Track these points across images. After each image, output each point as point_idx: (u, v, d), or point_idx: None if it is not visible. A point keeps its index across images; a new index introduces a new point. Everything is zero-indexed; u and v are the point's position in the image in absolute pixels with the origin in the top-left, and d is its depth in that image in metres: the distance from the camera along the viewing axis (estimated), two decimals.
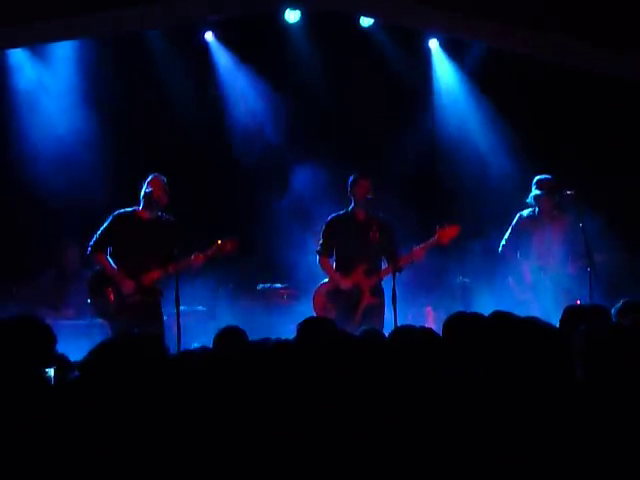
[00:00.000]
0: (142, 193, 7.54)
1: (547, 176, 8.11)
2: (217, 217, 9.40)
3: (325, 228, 7.87)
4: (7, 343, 3.63)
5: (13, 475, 2.99)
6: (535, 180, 8.13)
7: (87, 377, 3.29)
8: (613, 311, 5.21)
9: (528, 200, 8.17)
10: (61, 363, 3.90)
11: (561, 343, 3.32)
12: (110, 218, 7.57)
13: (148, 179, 7.56)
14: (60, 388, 3.46)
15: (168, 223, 7.54)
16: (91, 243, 7.55)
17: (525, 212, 8.25)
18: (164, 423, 3.17)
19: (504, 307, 4.22)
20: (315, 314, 7.88)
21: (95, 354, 3.37)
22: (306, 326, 4.25)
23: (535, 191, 8.11)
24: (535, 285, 8.05)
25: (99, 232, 7.54)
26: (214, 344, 4.57)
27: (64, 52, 9.20)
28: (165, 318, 7.96)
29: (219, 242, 7.40)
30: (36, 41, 8.73)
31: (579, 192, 7.89)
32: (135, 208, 7.60)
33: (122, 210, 7.61)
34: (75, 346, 5.44)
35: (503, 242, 8.27)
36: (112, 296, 7.40)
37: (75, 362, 3.76)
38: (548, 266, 8.02)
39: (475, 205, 9.68)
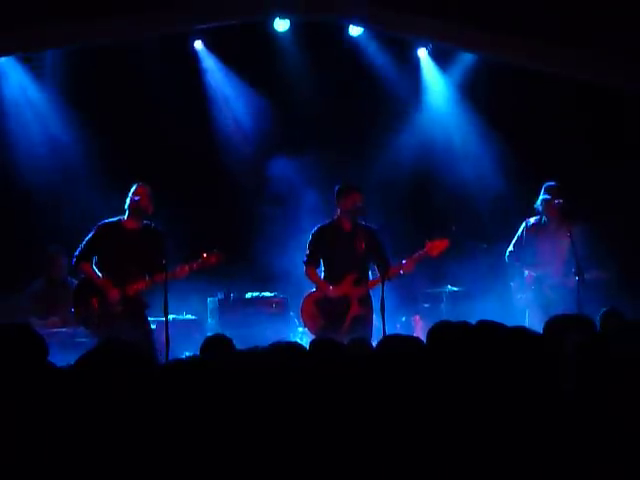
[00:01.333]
0: (127, 202, 7.53)
1: (554, 183, 8.13)
2: (205, 225, 9.41)
3: (311, 238, 7.87)
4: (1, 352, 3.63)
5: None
6: (544, 186, 8.15)
7: (73, 387, 3.29)
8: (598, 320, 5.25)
9: (535, 206, 8.18)
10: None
11: (547, 352, 3.33)
12: (94, 228, 7.56)
13: (133, 188, 7.54)
14: (49, 397, 3.45)
15: (154, 232, 7.53)
16: (76, 253, 7.54)
17: (532, 219, 8.26)
18: (150, 433, 3.16)
19: (500, 315, 4.23)
20: (303, 322, 7.88)
21: (81, 364, 3.36)
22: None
23: (542, 195, 8.13)
24: (536, 294, 8.06)
25: (84, 243, 7.54)
26: (201, 353, 4.57)
27: (52, 60, 9.20)
28: (154, 327, 7.96)
29: (204, 255, 7.41)
30: (23, 49, 8.73)
31: (567, 201, 7.93)
32: (120, 218, 7.59)
33: (107, 220, 7.60)
34: (61, 355, 5.44)
35: (510, 249, 8.28)
36: (96, 305, 7.39)
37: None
38: (550, 275, 8.03)
39: (464, 213, 9.71)
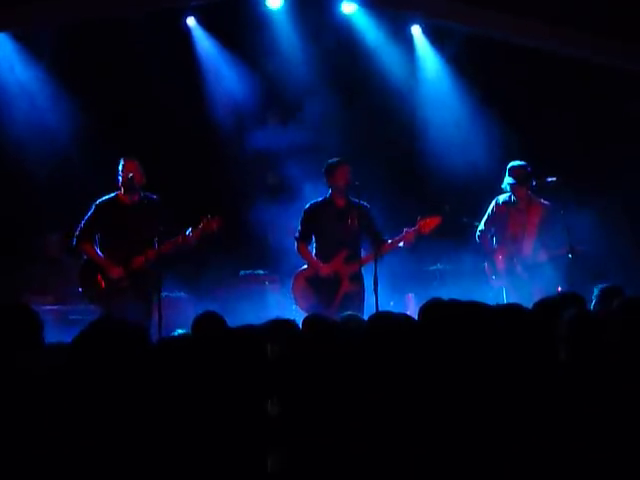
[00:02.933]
0: (120, 179, 7.51)
1: (520, 163, 8.09)
2: (198, 203, 9.38)
3: (303, 215, 7.87)
4: None
5: None
6: (508, 167, 8.13)
7: (69, 366, 3.30)
8: (594, 297, 5.25)
9: (503, 186, 8.18)
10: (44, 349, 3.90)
11: (541, 329, 3.35)
12: (93, 207, 7.54)
13: (122, 164, 7.51)
14: (44, 376, 3.46)
15: (152, 203, 7.52)
16: (76, 234, 7.53)
17: (501, 198, 8.24)
18: (143, 411, 3.17)
19: (480, 294, 4.23)
20: (294, 299, 7.89)
21: (76, 343, 3.37)
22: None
23: (507, 178, 8.11)
24: (509, 272, 8.08)
25: (83, 222, 7.52)
26: (193, 330, 4.57)
27: (44, 36, 9.13)
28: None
29: (204, 221, 7.37)
30: (15, 25, 8.66)
31: (562, 179, 7.92)
32: (116, 193, 7.58)
33: (104, 198, 7.58)
34: (55, 333, 5.44)
35: (480, 228, 8.29)
36: (102, 282, 7.41)
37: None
38: (521, 253, 8.03)
39: (458, 192, 9.71)
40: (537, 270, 7.89)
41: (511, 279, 8.03)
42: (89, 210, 7.55)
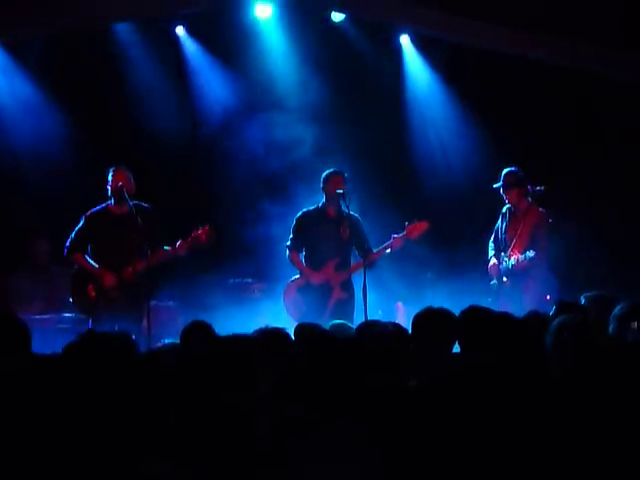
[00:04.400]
0: (110, 189, 7.48)
1: (511, 169, 8.12)
2: (188, 212, 9.39)
3: (295, 223, 7.90)
4: None
5: None
6: (502, 173, 8.15)
7: (57, 377, 3.28)
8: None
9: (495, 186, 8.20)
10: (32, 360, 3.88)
11: (530, 337, 3.35)
12: (83, 218, 7.52)
13: (111, 173, 7.48)
14: (33, 386, 3.44)
15: (144, 212, 7.50)
16: (67, 245, 7.50)
17: (505, 207, 8.23)
18: (131, 421, 3.16)
19: (471, 302, 4.22)
20: (286, 309, 7.90)
21: (64, 354, 3.36)
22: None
23: (499, 183, 8.15)
24: (498, 279, 8.09)
25: (74, 233, 7.50)
26: (181, 339, 4.55)
27: (32, 45, 9.11)
28: None
29: (195, 231, 7.38)
30: (2, 34, 8.64)
31: (549, 189, 7.95)
32: (106, 204, 7.55)
33: (94, 209, 7.56)
34: (44, 341, 5.42)
35: (491, 238, 8.29)
36: (93, 293, 7.39)
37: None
38: (512, 260, 8.04)
39: (445, 201, 9.73)
40: (522, 277, 7.89)
41: (500, 286, 8.05)
42: (79, 222, 7.52)
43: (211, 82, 9.88)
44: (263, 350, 3.56)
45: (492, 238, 8.28)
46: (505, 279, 8.00)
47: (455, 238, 9.08)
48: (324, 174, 7.89)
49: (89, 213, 7.54)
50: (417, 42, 10.02)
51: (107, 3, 8.25)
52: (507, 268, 7.96)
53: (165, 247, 7.41)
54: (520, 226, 8.04)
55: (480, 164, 9.51)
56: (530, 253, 7.71)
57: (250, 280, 9.17)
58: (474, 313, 3.70)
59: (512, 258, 7.91)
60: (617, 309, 4.48)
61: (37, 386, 3.30)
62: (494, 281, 8.14)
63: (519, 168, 8.09)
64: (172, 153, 9.53)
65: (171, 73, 9.70)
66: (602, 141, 9.27)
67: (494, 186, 8.13)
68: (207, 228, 7.38)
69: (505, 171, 8.11)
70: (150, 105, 9.32)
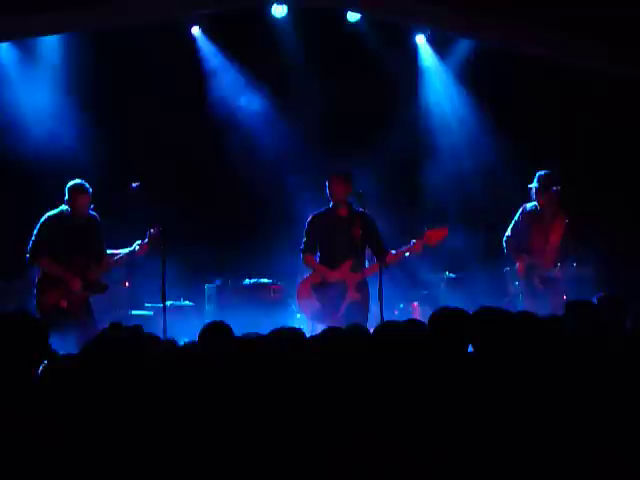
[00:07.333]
0: (70, 203, 7.39)
1: (547, 171, 8.11)
2: (204, 212, 9.41)
3: (307, 226, 7.83)
4: (4, 338, 3.63)
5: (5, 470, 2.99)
6: (537, 175, 8.11)
7: (80, 374, 3.30)
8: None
9: (530, 193, 8.17)
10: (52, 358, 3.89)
11: (551, 337, 3.34)
12: (41, 223, 7.44)
13: (75, 194, 7.38)
14: (52, 384, 3.45)
15: (94, 218, 7.53)
16: (29, 250, 7.42)
17: (529, 205, 8.22)
18: (148, 420, 3.17)
19: (496, 301, 4.22)
20: (299, 307, 7.87)
21: (89, 351, 3.37)
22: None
23: (535, 184, 8.12)
24: (527, 281, 8.07)
25: (34, 239, 7.42)
26: (199, 340, 4.55)
27: (49, 45, 9.14)
28: (151, 313, 7.89)
29: (149, 233, 7.38)
30: (20, 35, 8.67)
31: (565, 189, 7.94)
32: (62, 209, 7.46)
33: (51, 213, 7.47)
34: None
35: (507, 234, 8.26)
36: (58, 297, 7.35)
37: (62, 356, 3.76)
38: (540, 265, 8.01)
39: (460, 201, 9.72)
40: (554, 283, 7.88)
41: (528, 289, 8.03)
42: (37, 225, 7.44)
43: (227, 81, 9.89)
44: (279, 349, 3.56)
45: (509, 233, 8.23)
46: (539, 284, 7.98)
47: (471, 240, 9.06)
48: (327, 178, 7.78)
49: (46, 217, 7.47)
50: (433, 41, 10.01)
51: (125, 4, 8.25)
52: (546, 277, 7.95)
53: (125, 250, 7.45)
54: (548, 231, 8.02)
55: (497, 164, 9.50)
56: (573, 267, 7.72)
57: (266, 280, 9.17)
58: (487, 314, 3.70)
59: (553, 268, 7.91)
60: None
61: (61, 385, 3.31)
62: (517, 283, 8.14)
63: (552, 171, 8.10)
64: (186, 153, 9.52)
65: (187, 73, 9.70)
66: (620, 142, 9.23)
67: (529, 186, 8.11)
68: (155, 226, 7.37)
69: (541, 172, 8.09)
70: (164, 104, 9.31)
